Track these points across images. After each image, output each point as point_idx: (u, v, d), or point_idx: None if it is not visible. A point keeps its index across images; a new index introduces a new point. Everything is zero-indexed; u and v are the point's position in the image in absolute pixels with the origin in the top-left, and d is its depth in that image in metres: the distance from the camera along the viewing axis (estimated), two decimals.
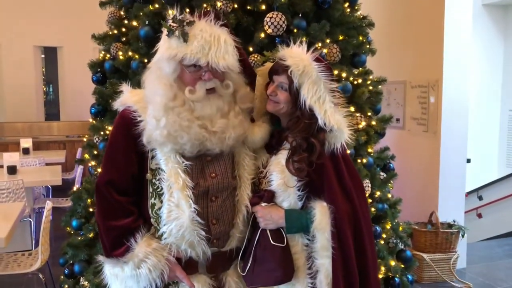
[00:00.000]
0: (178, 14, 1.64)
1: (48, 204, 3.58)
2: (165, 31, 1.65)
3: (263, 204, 1.72)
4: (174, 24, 1.63)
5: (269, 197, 1.73)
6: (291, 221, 1.70)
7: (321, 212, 1.66)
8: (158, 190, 1.71)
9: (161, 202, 1.71)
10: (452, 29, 4.39)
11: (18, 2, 8.87)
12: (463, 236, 4.31)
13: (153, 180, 1.72)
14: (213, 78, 1.67)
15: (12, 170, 5.23)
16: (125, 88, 1.84)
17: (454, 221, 4.40)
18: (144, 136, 1.67)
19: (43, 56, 10.55)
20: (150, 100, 1.70)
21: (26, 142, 6.86)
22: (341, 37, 2.89)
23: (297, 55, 1.70)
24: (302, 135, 1.69)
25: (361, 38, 2.98)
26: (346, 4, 2.90)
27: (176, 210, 1.67)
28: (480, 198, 7.23)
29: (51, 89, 12.10)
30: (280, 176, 1.71)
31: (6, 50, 8.96)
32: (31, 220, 4.94)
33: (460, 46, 4.44)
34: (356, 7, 3.00)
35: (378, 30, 3.32)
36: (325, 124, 1.66)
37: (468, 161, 4.70)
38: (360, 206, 1.71)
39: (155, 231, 1.74)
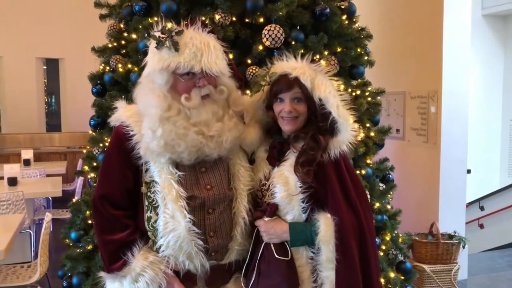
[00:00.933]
0: (164, 25, 1.67)
1: (48, 216, 3.58)
2: (153, 43, 1.68)
3: (266, 219, 1.72)
4: (163, 35, 1.65)
5: (272, 211, 1.73)
6: (296, 235, 1.70)
7: (325, 224, 1.66)
8: (153, 203, 1.72)
9: (157, 214, 1.72)
10: (451, 39, 4.41)
11: (20, 14, 8.94)
12: (464, 247, 4.29)
13: (148, 193, 1.74)
14: (207, 85, 1.69)
15: (12, 181, 5.24)
16: (120, 104, 1.86)
17: (455, 232, 4.38)
18: (141, 148, 1.69)
19: (45, 67, 10.61)
20: (145, 113, 1.72)
21: (27, 154, 6.88)
22: (339, 49, 2.90)
23: (295, 66, 1.73)
24: (310, 134, 1.70)
25: (359, 50, 2.99)
26: (344, 16, 2.91)
27: (172, 222, 1.68)
28: (482, 208, 7.21)
29: (53, 100, 12.16)
30: (284, 188, 1.71)
31: (8, 62, 9.01)
32: (31, 232, 4.93)
33: (459, 56, 4.45)
34: (354, 19, 3.01)
35: (377, 41, 3.33)
36: (336, 118, 1.69)
37: (469, 171, 4.70)
38: (364, 216, 1.71)
39: (152, 244, 1.74)
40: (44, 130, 9.68)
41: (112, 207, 1.74)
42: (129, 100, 1.97)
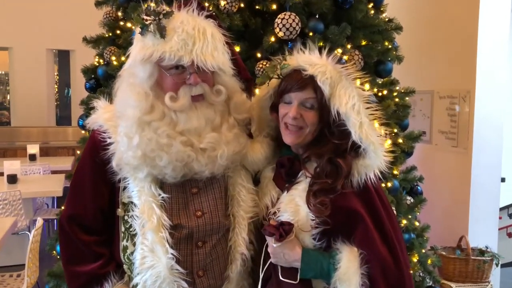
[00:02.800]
0: (148, 4, 1.32)
1: (39, 222, 3.29)
2: (137, 28, 1.34)
3: (274, 245, 1.36)
4: (148, 18, 1.30)
5: (286, 233, 1.37)
6: (309, 264, 1.36)
7: (348, 258, 1.31)
8: (131, 229, 1.39)
9: (134, 245, 1.38)
10: (487, 34, 3.98)
11: (30, 4, 8.71)
12: (497, 264, 3.88)
13: (125, 217, 1.41)
14: (200, 82, 1.35)
15: (12, 179, 4.98)
16: (99, 103, 1.52)
17: (486, 247, 3.97)
18: (114, 159, 1.36)
19: (57, 59, 10.40)
20: (121, 114, 1.38)
21: (33, 148, 6.63)
22: (363, 42, 2.52)
23: (315, 62, 1.36)
24: (327, 156, 1.34)
25: (386, 43, 2.61)
26: (370, 5, 2.53)
27: (150, 256, 1.35)
28: (511, 216, 6.74)
29: (68, 93, 11.97)
30: (293, 218, 1.36)
31: (18, 53, 8.79)
32: (29, 234, 4.65)
33: (496, 53, 4.02)
34: (382, 8, 2.63)
35: (403, 34, 2.94)
36: (357, 142, 1.33)
37: (503, 180, 4.28)
38: (402, 254, 1.35)
39: (129, 280, 1.41)
40: (54, 124, 9.46)
41: (83, 230, 1.43)
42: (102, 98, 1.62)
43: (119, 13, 2.79)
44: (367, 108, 1.36)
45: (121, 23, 2.68)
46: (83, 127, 2.66)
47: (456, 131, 4.22)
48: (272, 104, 1.48)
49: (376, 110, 1.38)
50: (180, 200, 1.40)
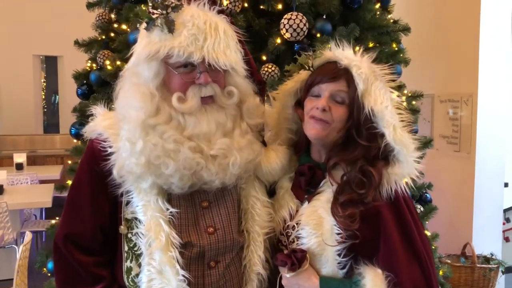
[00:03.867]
0: None
1: (27, 236, 3.11)
2: (142, 24, 1.23)
3: (287, 275, 1.23)
4: (155, 11, 1.18)
5: (298, 261, 1.24)
6: None
7: (374, 283, 1.18)
8: (135, 249, 1.25)
9: (139, 266, 1.24)
10: (489, 38, 3.90)
11: (17, 9, 8.50)
12: (503, 272, 3.78)
13: (129, 235, 1.26)
14: (211, 82, 1.22)
15: None
16: (98, 110, 1.38)
17: (492, 254, 3.87)
18: (115, 167, 1.22)
19: (44, 66, 10.19)
20: (123, 117, 1.24)
21: (20, 157, 6.41)
22: (371, 44, 2.41)
23: (351, 57, 1.25)
24: (358, 164, 1.21)
25: (394, 45, 2.50)
26: (377, 5, 2.43)
27: (159, 279, 1.21)
28: (508, 220, 6.67)
29: (56, 100, 11.74)
30: (315, 232, 1.22)
31: (4, 59, 8.57)
32: (16, 247, 4.46)
33: (497, 57, 3.94)
34: (389, 9, 2.52)
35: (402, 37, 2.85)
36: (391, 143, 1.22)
37: (506, 185, 4.19)
38: (433, 274, 1.23)
39: None
40: (41, 131, 9.23)
41: (80, 251, 1.28)
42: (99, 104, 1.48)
43: (112, 15, 2.66)
44: (398, 113, 1.25)
45: (115, 25, 2.54)
46: (76, 135, 2.51)
47: (458, 136, 4.13)
48: (296, 101, 1.35)
49: (406, 117, 1.26)
50: (189, 215, 1.26)
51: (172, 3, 1.20)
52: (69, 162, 2.92)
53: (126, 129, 1.22)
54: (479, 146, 3.97)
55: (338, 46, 1.32)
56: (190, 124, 1.22)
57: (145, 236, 1.21)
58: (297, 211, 1.31)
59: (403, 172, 1.22)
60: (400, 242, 1.19)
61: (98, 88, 2.57)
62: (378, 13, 2.46)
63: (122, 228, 1.25)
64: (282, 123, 1.40)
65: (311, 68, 1.34)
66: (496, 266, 3.76)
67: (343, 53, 1.29)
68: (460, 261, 3.84)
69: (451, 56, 4.19)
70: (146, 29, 1.21)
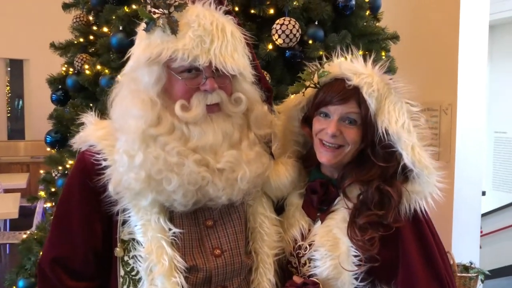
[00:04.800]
0: None
1: None
2: (141, 26, 1.13)
3: None
4: (157, 11, 1.09)
5: None
6: None
7: None
8: (133, 273, 1.13)
9: None
10: (468, 46, 3.94)
11: None
12: (482, 281, 3.79)
13: (126, 258, 1.14)
14: (217, 89, 1.13)
15: None
16: (89, 118, 1.25)
17: (471, 262, 3.87)
18: (111, 183, 1.11)
19: (9, 69, 9.79)
20: (120, 127, 1.14)
21: None
22: (360, 52, 2.35)
23: (360, 70, 1.16)
24: (374, 184, 1.13)
25: (383, 53, 2.46)
26: (367, 12, 2.38)
27: None
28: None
29: (19, 105, 11.31)
30: (331, 254, 1.14)
31: None
32: None
33: (477, 66, 3.99)
34: (378, 17, 2.48)
35: None
36: (410, 166, 1.15)
37: (483, 193, 4.23)
38: None
39: None
40: (5, 138, 8.86)
41: (70, 276, 1.16)
42: (99, 111, 1.37)
43: (90, 17, 2.52)
44: (415, 126, 1.18)
45: (94, 27, 2.41)
46: (51, 144, 2.35)
47: (438, 144, 4.14)
48: (303, 116, 1.27)
49: (424, 130, 1.19)
50: (193, 236, 1.15)
51: (175, 1, 1.10)
52: (41, 171, 2.75)
53: (123, 141, 1.11)
54: (459, 154, 3.99)
55: (342, 56, 1.26)
56: (195, 134, 1.12)
57: (145, 259, 1.10)
58: (309, 230, 1.22)
59: (424, 190, 1.16)
60: (421, 264, 1.13)
61: (74, 93, 2.43)
62: (368, 20, 2.41)
63: (118, 251, 1.14)
64: (288, 135, 1.32)
65: (317, 85, 1.25)
66: (475, 274, 3.77)
67: (352, 68, 1.20)
68: None
69: (430, 65, 4.20)
70: (146, 30, 1.10)
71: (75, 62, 2.36)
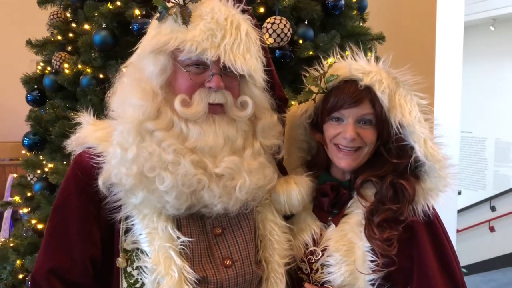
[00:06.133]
0: None
1: None
2: (156, 14, 1.08)
3: None
4: (172, 0, 1.04)
5: None
6: None
7: None
8: (137, 286, 1.06)
9: None
10: (444, 51, 4.01)
11: None
12: None
13: (129, 269, 1.06)
14: (223, 88, 1.07)
15: None
16: (85, 118, 1.18)
17: None
18: (101, 176, 1.04)
19: None
20: (118, 116, 1.08)
21: None
22: (347, 53, 2.34)
23: (368, 69, 1.14)
24: (388, 179, 1.12)
25: (369, 54, 2.45)
26: (354, 12, 2.36)
27: None
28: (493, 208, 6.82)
29: None
30: (347, 259, 1.11)
31: None
32: None
33: (452, 71, 4.07)
34: (365, 17, 2.48)
35: None
36: (423, 160, 1.13)
37: (459, 193, 4.31)
38: None
39: None
40: None
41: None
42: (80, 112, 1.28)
43: (68, 14, 2.41)
44: (425, 120, 1.16)
45: (73, 25, 2.30)
46: (29, 147, 2.23)
47: None
48: (312, 123, 1.22)
49: (433, 123, 1.18)
50: (201, 245, 1.09)
51: None
52: (14, 175, 2.62)
53: (119, 131, 1.04)
54: None
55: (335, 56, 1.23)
56: (194, 134, 1.06)
57: (151, 271, 1.03)
58: (321, 235, 1.18)
59: (436, 187, 1.14)
60: (437, 268, 1.11)
61: (52, 94, 2.32)
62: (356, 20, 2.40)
63: (120, 261, 1.06)
64: (292, 143, 1.28)
65: (324, 90, 1.21)
66: None
67: (360, 68, 1.18)
68: None
69: (407, 64, 4.25)
70: (159, 19, 1.05)
71: (53, 60, 2.24)
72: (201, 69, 1.07)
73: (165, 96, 1.08)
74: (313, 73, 1.25)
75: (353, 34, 2.29)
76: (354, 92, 1.15)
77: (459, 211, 7.01)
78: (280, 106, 1.24)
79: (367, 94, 1.15)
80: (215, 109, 1.09)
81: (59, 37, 2.30)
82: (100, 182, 1.05)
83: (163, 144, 1.04)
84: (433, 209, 1.18)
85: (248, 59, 1.08)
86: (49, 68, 2.31)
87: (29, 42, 2.37)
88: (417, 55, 4.15)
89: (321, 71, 1.23)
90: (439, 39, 3.97)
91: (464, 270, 3.88)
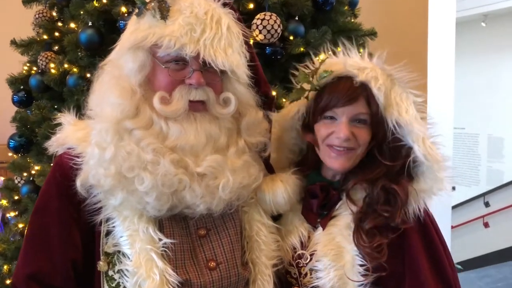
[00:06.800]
0: None
1: None
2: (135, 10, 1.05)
3: None
4: None
5: None
6: None
7: None
8: None
9: None
10: (436, 47, 3.99)
11: None
12: None
13: (110, 273, 1.03)
14: (204, 85, 1.04)
15: None
16: (66, 118, 1.14)
17: None
18: (79, 177, 1.02)
19: None
20: (96, 114, 1.05)
21: None
22: (339, 49, 2.30)
23: (363, 65, 1.10)
24: (380, 183, 1.07)
25: (361, 50, 2.41)
26: (345, 8, 2.33)
27: None
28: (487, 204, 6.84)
29: None
30: (335, 264, 1.07)
31: None
32: None
33: (444, 66, 4.04)
34: (356, 12, 2.45)
35: None
36: (422, 160, 1.09)
37: (453, 188, 4.28)
38: None
39: None
40: None
41: None
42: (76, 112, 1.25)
43: (54, 13, 2.36)
44: (422, 118, 1.13)
45: (59, 24, 2.26)
46: (14, 149, 2.18)
47: None
48: (304, 123, 1.18)
49: (429, 120, 1.14)
50: (185, 246, 1.06)
51: None
52: (2, 178, 2.57)
53: (97, 130, 1.01)
54: None
55: (334, 52, 1.19)
56: (174, 132, 1.03)
57: (132, 274, 1.00)
58: (309, 237, 1.14)
59: (431, 188, 1.10)
60: (430, 272, 1.08)
61: (38, 94, 2.27)
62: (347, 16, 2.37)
63: (101, 264, 1.03)
64: (283, 146, 1.24)
65: (317, 88, 1.17)
66: None
67: (355, 64, 1.13)
68: None
69: (400, 62, 4.23)
70: (137, 14, 1.02)
71: (38, 60, 2.20)
72: (181, 65, 1.05)
73: (144, 93, 1.05)
74: (304, 70, 1.21)
75: (345, 29, 2.25)
76: (349, 90, 1.11)
77: (453, 207, 7.02)
78: (266, 102, 1.21)
79: (363, 92, 1.11)
80: (197, 107, 1.06)
81: (45, 37, 2.25)
82: (78, 183, 1.02)
83: (142, 143, 1.01)
84: (429, 211, 1.14)
85: (230, 54, 1.05)
86: (35, 69, 2.26)
87: (13, 42, 2.32)
88: (410, 51, 4.13)
89: (313, 68, 1.19)
90: (431, 35, 3.95)
91: (458, 266, 3.88)
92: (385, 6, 4.41)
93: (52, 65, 2.12)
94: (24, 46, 2.31)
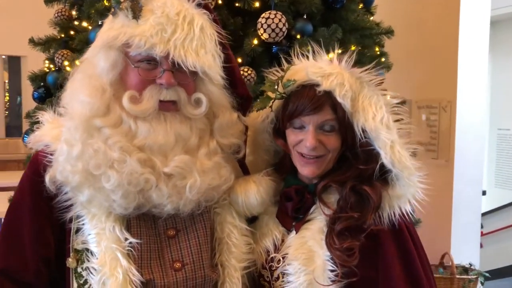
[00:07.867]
0: None
1: None
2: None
3: None
4: None
5: None
6: None
7: None
8: (86, 286, 1.04)
9: None
10: (468, 42, 3.83)
11: None
12: (482, 283, 3.70)
13: (79, 270, 1.05)
14: (175, 85, 1.05)
15: None
16: (46, 116, 1.17)
17: (470, 264, 3.78)
18: (48, 173, 1.03)
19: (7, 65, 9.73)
20: (67, 111, 1.07)
21: None
22: (353, 47, 2.25)
23: (328, 71, 1.07)
24: (349, 184, 1.05)
25: (377, 49, 2.36)
26: (360, 6, 2.28)
27: None
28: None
29: (20, 101, 11.27)
30: (305, 268, 1.06)
31: None
32: None
33: (476, 63, 3.88)
34: (372, 10, 2.38)
35: None
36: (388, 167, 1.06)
37: (484, 193, 4.13)
38: None
39: None
40: (3, 135, 8.79)
41: None
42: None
43: (73, 12, 2.44)
44: (396, 121, 1.09)
45: (76, 22, 2.32)
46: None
47: (436, 143, 4.03)
48: (275, 129, 1.17)
49: (405, 123, 1.10)
50: (152, 246, 1.06)
51: None
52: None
53: (66, 128, 1.03)
54: (458, 153, 3.88)
55: (307, 56, 1.15)
56: (142, 131, 1.04)
57: (98, 272, 1.02)
58: (282, 241, 1.13)
59: (405, 194, 1.06)
60: (403, 277, 1.04)
61: (55, 90, 2.34)
62: (360, 14, 2.31)
63: (71, 261, 1.05)
64: (258, 147, 1.22)
65: (283, 95, 1.14)
66: (475, 276, 3.67)
67: (318, 71, 1.09)
68: (438, 272, 3.74)
69: (429, 61, 4.10)
70: (112, 14, 1.03)
71: (55, 58, 2.28)
72: (152, 65, 1.05)
73: (115, 92, 1.06)
74: (271, 77, 1.19)
75: (357, 28, 2.21)
76: (313, 98, 1.08)
77: (493, 211, 6.77)
78: (242, 104, 1.20)
79: (327, 100, 1.08)
80: (167, 107, 1.06)
81: (62, 35, 2.32)
82: (47, 179, 1.04)
83: (109, 141, 1.02)
84: (403, 216, 1.10)
85: (202, 55, 1.05)
86: (52, 66, 2.34)
87: (31, 40, 2.41)
88: (439, 50, 3.99)
89: (278, 75, 1.17)
90: (462, 33, 3.80)
91: (486, 274, 3.72)
92: (413, 2, 4.28)
93: (66, 62, 2.18)
94: (42, 45, 2.39)
